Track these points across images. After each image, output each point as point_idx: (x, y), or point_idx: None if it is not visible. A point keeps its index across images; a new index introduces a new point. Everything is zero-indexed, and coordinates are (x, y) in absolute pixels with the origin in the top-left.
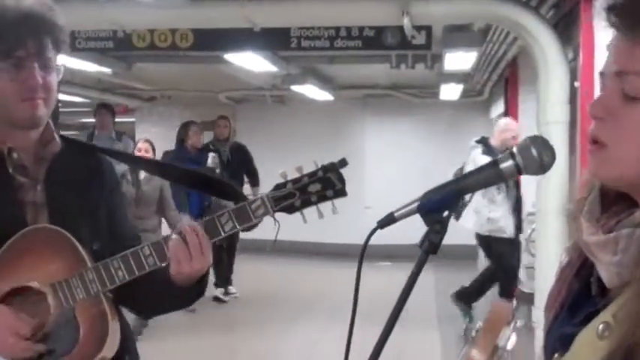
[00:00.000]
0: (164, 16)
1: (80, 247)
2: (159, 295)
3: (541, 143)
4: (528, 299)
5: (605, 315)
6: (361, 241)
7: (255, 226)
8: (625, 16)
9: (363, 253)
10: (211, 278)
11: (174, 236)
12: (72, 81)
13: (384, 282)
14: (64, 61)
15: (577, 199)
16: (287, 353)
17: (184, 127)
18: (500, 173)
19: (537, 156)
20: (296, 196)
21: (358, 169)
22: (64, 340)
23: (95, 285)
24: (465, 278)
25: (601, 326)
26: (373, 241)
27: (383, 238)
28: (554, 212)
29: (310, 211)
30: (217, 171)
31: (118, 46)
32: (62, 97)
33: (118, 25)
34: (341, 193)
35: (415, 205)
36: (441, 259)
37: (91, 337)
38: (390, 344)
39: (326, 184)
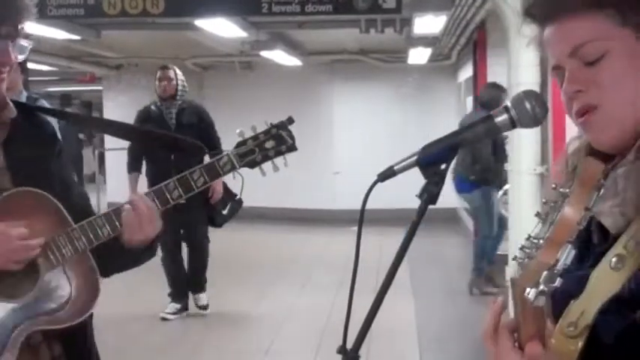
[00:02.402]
0: None
1: (62, 208)
2: (111, 256)
3: (534, 97)
4: (501, 260)
5: (617, 248)
6: (330, 206)
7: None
8: (543, 9)
9: (362, 212)
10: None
11: (126, 206)
12: (39, 49)
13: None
14: (34, 29)
15: (562, 170)
16: (261, 317)
17: (498, 88)
18: (494, 127)
19: (531, 109)
20: (256, 152)
21: (327, 134)
22: (57, 297)
23: (82, 242)
24: (439, 243)
25: (614, 259)
26: (342, 206)
27: (350, 203)
28: (526, 172)
29: (266, 166)
30: None
31: (88, 13)
32: (29, 65)
33: None
34: (292, 148)
35: (414, 158)
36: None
37: (82, 292)
38: (363, 311)
39: (279, 140)
